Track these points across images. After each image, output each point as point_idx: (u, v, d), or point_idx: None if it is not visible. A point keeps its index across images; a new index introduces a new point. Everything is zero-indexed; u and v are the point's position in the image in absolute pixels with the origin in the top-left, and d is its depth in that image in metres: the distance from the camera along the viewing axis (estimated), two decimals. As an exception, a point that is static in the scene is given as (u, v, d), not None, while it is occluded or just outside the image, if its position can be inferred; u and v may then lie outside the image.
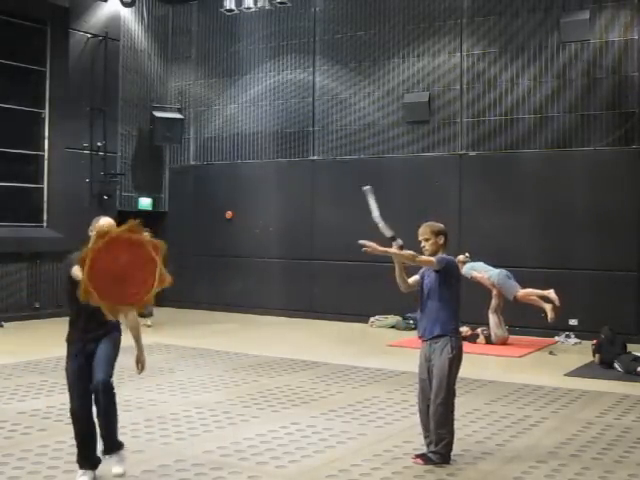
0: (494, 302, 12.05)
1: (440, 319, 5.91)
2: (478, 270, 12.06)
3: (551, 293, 11.49)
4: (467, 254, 12.21)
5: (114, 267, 4.88)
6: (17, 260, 14.25)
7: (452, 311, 5.96)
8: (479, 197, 13.78)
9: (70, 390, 5.39)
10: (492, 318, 12.03)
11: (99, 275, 4.82)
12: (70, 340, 5.46)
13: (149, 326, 12.71)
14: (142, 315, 13.01)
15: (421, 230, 6.07)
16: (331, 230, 15.01)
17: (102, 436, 5.34)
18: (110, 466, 5.37)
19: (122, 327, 5.54)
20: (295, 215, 15.55)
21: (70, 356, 5.43)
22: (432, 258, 5.88)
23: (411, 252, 5.86)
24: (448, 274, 5.93)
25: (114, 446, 5.38)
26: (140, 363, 5.62)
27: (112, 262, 4.88)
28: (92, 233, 5.34)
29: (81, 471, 5.39)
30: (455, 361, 5.90)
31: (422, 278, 6.09)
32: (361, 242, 5.81)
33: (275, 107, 15.96)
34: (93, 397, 5.29)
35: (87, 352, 5.36)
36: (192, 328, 13.75)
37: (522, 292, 11.74)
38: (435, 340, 5.91)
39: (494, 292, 12.02)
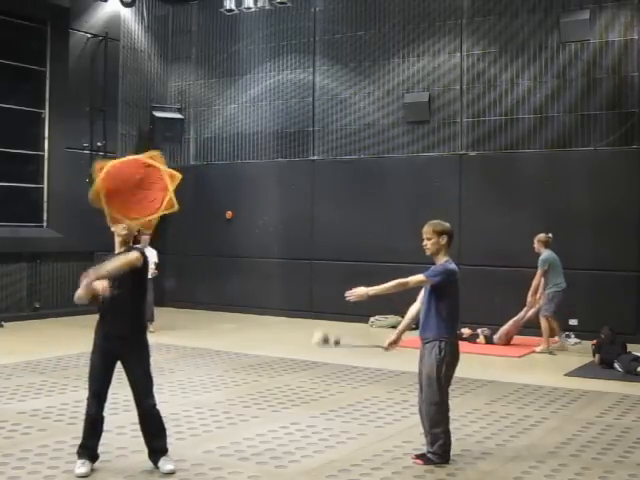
0: (525, 314, 11.70)
1: (431, 324, 5.92)
2: (554, 269, 11.42)
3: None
4: (550, 234, 11.58)
5: (128, 181, 5.37)
6: (17, 260, 14.25)
7: (444, 317, 5.89)
8: (479, 197, 13.78)
9: (88, 383, 5.59)
10: (511, 324, 11.92)
11: (112, 183, 5.34)
12: (97, 335, 5.61)
13: (151, 332, 12.68)
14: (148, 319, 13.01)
15: (425, 228, 6.03)
16: (331, 230, 15.01)
17: (157, 446, 5.65)
18: (163, 465, 5.58)
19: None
20: (295, 215, 15.55)
21: (94, 351, 5.62)
22: (422, 277, 5.85)
23: (396, 281, 5.84)
24: (441, 287, 5.89)
25: (166, 450, 5.66)
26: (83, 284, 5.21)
27: (128, 176, 5.39)
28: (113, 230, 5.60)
29: (80, 461, 5.53)
30: (443, 363, 5.85)
31: None
32: (347, 293, 5.80)
33: (275, 107, 15.96)
34: (142, 417, 5.63)
35: (115, 353, 5.54)
36: (192, 328, 13.75)
37: (545, 322, 11.42)
38: (426, 343, 5.96)
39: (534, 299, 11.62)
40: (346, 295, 5.81)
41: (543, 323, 11.50)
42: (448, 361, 5.90)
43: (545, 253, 11.46)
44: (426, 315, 5.96)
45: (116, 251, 5.64)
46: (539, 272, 11.38)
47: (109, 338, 5.50)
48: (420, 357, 6.03)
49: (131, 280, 5.45)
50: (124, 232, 5.57)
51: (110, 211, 5.36)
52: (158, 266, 13.16)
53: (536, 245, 11.57)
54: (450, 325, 5.96)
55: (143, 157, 5.51)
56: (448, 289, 5.93)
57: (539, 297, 11.58)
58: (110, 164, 5.51)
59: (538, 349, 11.50)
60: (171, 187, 5.39)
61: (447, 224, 6.06)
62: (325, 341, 5.98)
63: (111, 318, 5.49)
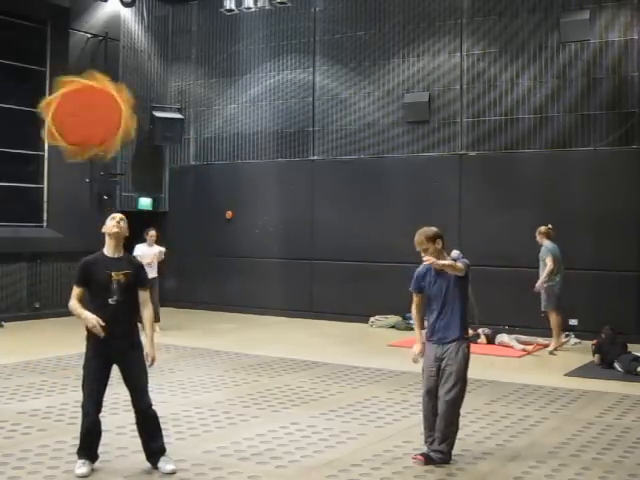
0: (553, 320, 11.48)
1: (457, 323, 5.93)
2: (556, 258, 11.38)
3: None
4: (550, 225, 11.57)
5: (80, 111, 5.32)
6: (17, 260, 14.25)
7: (463, 316, 5.98)
8: (479, 197, 13.78)
9: (85, 388, 5.58)
10: (524, 338, 11.94)
11: (64, 118, 5.27)
12: (90, 339, 5.60)
13: (156, 332, 12.70)
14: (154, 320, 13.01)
15: (417, 240, 5.97)
16: (331, 230, 15.01)
17: (155, 447, 5.65)
18: (163, 466, 5.59)
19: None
20: (295, 215, 15.55)
21: (91, 355, 5.60)
22: (461, 266, 5.83)
23: (450, 261, 5.84)
24: (467, 278, 5.95)
25: (164, 450, 5.68)
26: (150, 357, 5.65)
27: (78, 107, 5.32)
28: (105, 227, 5.64)
29: (80, 461, 5.55)
30: (469, 362, 5.97)
31: (427, 283, 6.04)
32: (425, 258, 5.74)
33: (275, 107, 15.95)
34: (139, 417, 5.64)
35: (113, 356, 5.55)
36: (192, 328, 13.75)
37: (554, 316, 11.44)
38: (448, 343, 5.93)
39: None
40: (424, 258, 5.75)
41: (552, 318, 11.46)
42: (469, 359, 5.97)
43: (548, 244, 11.48)
44: (449, 315, 5.92)
45: (109, 254, 5.63)
46: (549, 261, 11.30)
47: (109, 341, 5.49)
48: (434, 358, 5.96)
49: (134, 289, 5.62)
50: (115, 230, 5.61)
51: (71, 148, 5.35)
52: (164, 256, 13.28)
53: (538, 237, 11.60)
54: (466, 324, 6.06)
55: (87, 82, 5.41)
56: (467, 286, 5.98)
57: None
58: (58, 98, 5.38)
59: (551, 348, 11.49)
60: (124, 104, 5.39)
61: (433, 228, 6.03)
62: None
63: (112, 322, 5.49)
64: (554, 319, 11.47)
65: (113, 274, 5.51)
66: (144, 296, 5.68)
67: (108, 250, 5.65)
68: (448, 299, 5.92)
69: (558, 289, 11.43)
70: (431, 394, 5.97)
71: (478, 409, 7.72)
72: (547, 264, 11.32)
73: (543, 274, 11.34)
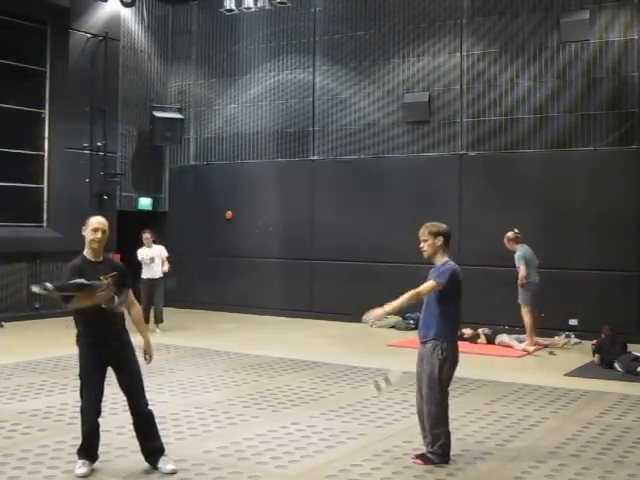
0: (527, 320, 11.56)
1: (434, 323, 5.90)
2: (528, 265, 11.47)
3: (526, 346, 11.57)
4: (516, 230, 11.67)
5: None
6: (17, 260, 14.24)
7: (447, 317, 5.90)
8: (479, 197, 13.78)
9: (84, 394, 5.58)
10: (524, 338, 11.90)
11: None
12: (83, 346, 5.61)
13: (156, 333, 12.67)
14: (156, 321, 13.00)
15: (421, 231, 6.05)
16: (331, 230, 15.01)
17: (153, 447, 5.64)
18: (163, 466, 5.59)
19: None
20: (295, 215, 15.55)
21: (85, 361, 5.59)
22: (432, 283, 5.81)
23: (410, 293, 5.81)
24: (448, 287, 5.87)
25: (163, 450, 5.67)
26: (148, 355, 5.74)
27: None
28: (85, 232, 5.61)
29: (80, 461, 5.56)
30: (446, 364, 5.86)
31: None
32: (364, 318, 5.79)
33: (275, 107, 15.96)
34: (135, 417, 5.64)
35: (109, 358, 5.55)
36: (192, 328, 13.75)
37: (527, 315, 11.52)
38: (427, 342, 5.94)
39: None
40: (363, 319, 5.77)
41: (526, 317, 11.54)
42: (449, 362, 5.90)
43: (520, 250, 11.56)
44: (428, 314, 5.95)
45: (93, 259, 5.58)
46: (522, 269, 11.41)
47: (106, 342, 5.50)
48: (419, 357, 6.02)
49: (120, 291, 5.60)
50: (94, 246, 5.55)
51: None
52: (169, 259, 13.26)
53: (507, 244, 11.67)
54: (452, 326, 5.97)
55: None
56: (451, 289, 5.92)
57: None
58: None
59: (522, 346, 11.53)
60: None
61: (443, 225, 6.05)
62: (378, 387, 6.08)
63: (106, 325, 5.50)
64: (527, 318, 11.56)
65: (102, 278, 5.48)
66: (129, 296, 5.70)
67: (91, 255, 5.60)
68: (432, 299, 5.92)
69: (536, 290, 11.54)
70: (421, 394, 5.99)
71: (478, 409, 7.72)
72: (520, 271, 11.40)
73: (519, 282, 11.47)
